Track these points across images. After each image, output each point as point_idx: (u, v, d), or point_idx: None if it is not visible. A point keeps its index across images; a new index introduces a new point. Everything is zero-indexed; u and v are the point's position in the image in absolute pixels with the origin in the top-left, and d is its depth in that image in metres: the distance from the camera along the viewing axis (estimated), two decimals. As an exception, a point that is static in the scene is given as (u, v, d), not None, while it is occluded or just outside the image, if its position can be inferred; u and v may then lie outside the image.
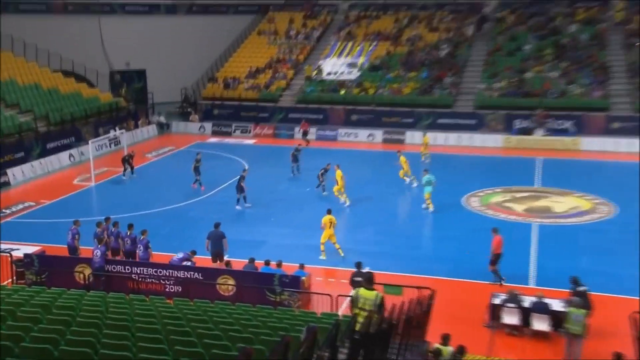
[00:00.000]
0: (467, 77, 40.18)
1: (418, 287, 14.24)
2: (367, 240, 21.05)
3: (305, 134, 36.47)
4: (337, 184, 24.28)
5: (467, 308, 15.96)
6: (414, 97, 38.48)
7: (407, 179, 26.95)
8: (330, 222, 19.00)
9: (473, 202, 24.81)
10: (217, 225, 18.17)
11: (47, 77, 36.85)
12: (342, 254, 19.02)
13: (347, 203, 24.15)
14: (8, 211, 24.11)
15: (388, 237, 21.32)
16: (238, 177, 24.20)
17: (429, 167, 26.54)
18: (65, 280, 16.34)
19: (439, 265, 18.79)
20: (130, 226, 18.09)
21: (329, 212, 19.45)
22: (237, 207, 23.82)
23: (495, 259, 17.10)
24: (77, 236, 18.20)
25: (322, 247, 19.10)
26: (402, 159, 26.95)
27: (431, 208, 23.40)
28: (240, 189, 23.83)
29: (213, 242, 17.93)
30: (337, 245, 19.17)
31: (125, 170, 28.83)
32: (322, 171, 25.58)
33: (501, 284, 16.94)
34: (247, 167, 30.01)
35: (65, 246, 18.43)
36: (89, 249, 17.49)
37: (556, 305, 14.61)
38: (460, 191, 26.01)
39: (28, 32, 37.77)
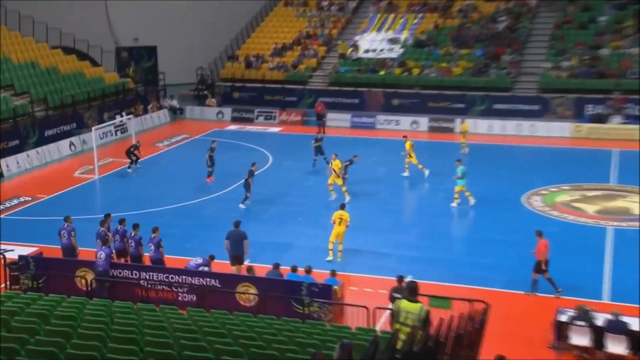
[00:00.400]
0: (529, 55, 39.63)
1: (470, 300, 14.14)
2: (409, 244, 20.98)
3: (320, 117, 36.35)
4: (335, 175, 24.34)
5: (528, 325, 15.80)
6: (466, 79, 38.14)
7: (420, 167, 27.28)
8: (341, 219, 19.41)
9: (535, 201, 24.53)
10: (237, 224, 18.30)
11: (45, 55, 37.51)
12: (340, 259, 19.38)
13: (347, 198, 24.26)
14: (1, 207, 24.63)
15: (434, 241, 21.26)
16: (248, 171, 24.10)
17: (466, 158, 26.78)
18: (64, 286, 16.63)
19: (494, 274, 18.65)
20: (135, 226, 18.24)
21: (342, 207, 20.00)
22: (241, 206, 23.89)
23: (540, 266, 17.17)
24: (73, 233, 18.56)
25: (330, 246, 19.53)
26: (408, 144, 27.27)
27: (471, 201, 23.79)
28: (247, 185, 23.86)
29: (232, 244, 18.06)
30: (340, 247, 19.53)
31: (131, 162, 29.21)
32: (347, 163, 25.62)
33: (531, 293, 17.25)
34: (263, 161, 30.09)
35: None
36: (91, 251, 17.77)
37: (636, 324, 14.33)
38: (520, 188, 25.78)
39: (24, 4, 38.42)
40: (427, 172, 27.20)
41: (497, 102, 37.12)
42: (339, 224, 19.42)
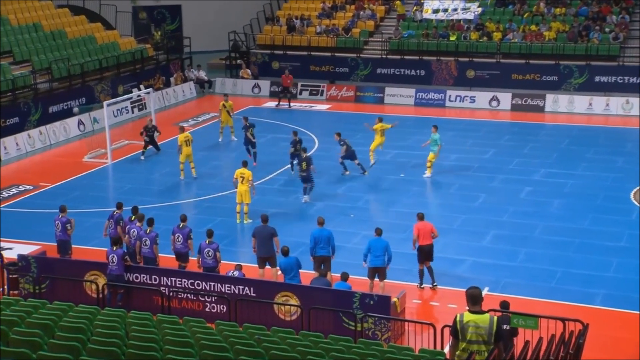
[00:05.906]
0: (640, 16, 38.89)
1: (563, 319, 13.97)
2: (485, 249, 20.86)
3: (285, 91, 37.00)
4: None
5: (636, 351, 15.59)
6: (561, 45, 37.55)
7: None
8: (242, 177, 21.96)
9: (647, 198, 24.27)
10: (265, 219, 18.69)
11: (50, 15, 38.09)
12: (248, 221, 22.22)
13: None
14: (-2, 197, 25.23)
15: (517, 246, 21.08)
16: (302, 159, 24.04)
17: None
18: (71, 293, 16.99)
19: (592, 288, 18.52)
20: (150, 222, 18.60)
21: (244, 164, 22.51)
22: (304, 199, 24.12)
23: (420, 254, 18.24)
24: (68, 225, 19.07)
25: (237, 208, 22.42)
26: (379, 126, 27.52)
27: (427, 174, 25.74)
28: (306, 177, 23.84)
29: (260, 242, 18.42)
30: (246, 209, 22.34)
31: (156, 146, 29.35)
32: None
33: (419, 286, 18.52)
34: (316, 143, 30.20)
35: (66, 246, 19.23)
36: (101, 250, 18.09)
37: None
38: (629, 182, 25.50)
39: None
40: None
41: (600, 74, 36.53)
42: (242, 182, 21.87)
